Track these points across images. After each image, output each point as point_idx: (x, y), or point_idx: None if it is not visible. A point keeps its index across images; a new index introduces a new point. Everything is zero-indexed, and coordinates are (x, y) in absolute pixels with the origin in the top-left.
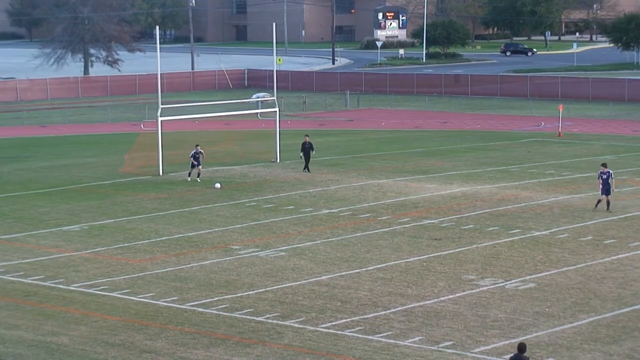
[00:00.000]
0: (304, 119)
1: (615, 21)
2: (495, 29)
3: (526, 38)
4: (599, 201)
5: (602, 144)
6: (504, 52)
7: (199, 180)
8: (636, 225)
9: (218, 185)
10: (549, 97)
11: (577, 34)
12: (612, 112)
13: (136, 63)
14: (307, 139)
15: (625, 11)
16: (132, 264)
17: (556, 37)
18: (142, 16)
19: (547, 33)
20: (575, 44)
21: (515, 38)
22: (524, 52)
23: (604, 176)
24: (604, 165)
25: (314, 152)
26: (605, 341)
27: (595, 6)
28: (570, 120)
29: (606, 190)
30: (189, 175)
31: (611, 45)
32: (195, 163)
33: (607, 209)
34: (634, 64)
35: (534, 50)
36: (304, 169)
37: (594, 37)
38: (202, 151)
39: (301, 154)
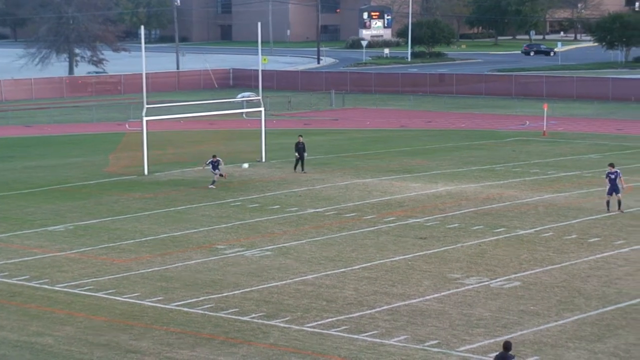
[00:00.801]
0: (290, 119)
1: (599, 20)
2: (480, 28)
3: (511, 37)
4: (608, 202)
5: (587, 143)
6: (527, 52)
7: (213, 187)
8: (620, 224)
9: (246, 165)
10: (534, 96)
11: (562, 33)
12: (596, 111)
13: (121, 63)
14: (301, 139)
15: (609, 10)
16: (117, 264)
17: (541, 37)
18: (127, 16)
19: (531, 32)
20: (559, 43)
21: (500, 37)
22: (546, 52)
23: (612, 176)
24: (612, 165)
25: (305, 153)
26: (589, 339)
27: (579, 5)
28: (555, 119)
29: (614, 189)
30: (213, 183)
31: (596, 44)
32: (214, 169)
33: (619, 208)
34: (619, 62)
35: (555, 50)
36: (300, 169)
37: (578, 36)
38: (220, 159)
39: (296, 154)
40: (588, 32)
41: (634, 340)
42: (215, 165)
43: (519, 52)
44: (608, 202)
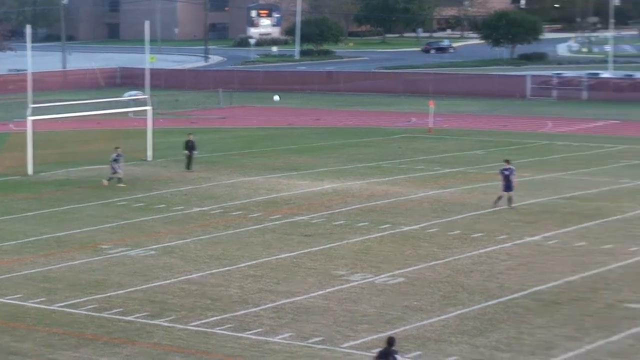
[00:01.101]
0: (177, 117)
1: (486, 18)
2: (369, 26)
3: (398, 35)
4: (500, 197)
5: (472, 139)
6: (427, 50)
7: (122, 185)
8: (503, 219)
9: (277, 97)
10: (421, 93)
11: (449, 30)
12: (482, 108)
13: (7, 62)
14: (191, 137)
15: (495, 8)
16: None
17: (428, 34)
18: (13, 15)
19: (419, 30)
20: (446, 41)
21: (387, 35)
22: (445, 49)
23: (506, 172)
24: (507, 161)
25: (196, 152)
26: (472, 333)
27: (466, 3)
28: (441, 116)
29: (507, 186)
30: (109, 180)
31: (482, 41)
32: (116, 167)
33: (509, 205)
34: (504, 59)
35: (453, 46)
36: (187, 167)
37: (465, 33)
38: (121, 154)
39: (186, 152)
40: (475, 30)
41: (514, 334)
42: (117, 160)
43: (419, 49)
44: (500, 198)
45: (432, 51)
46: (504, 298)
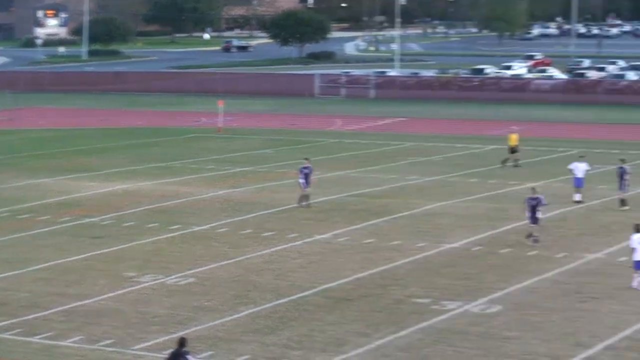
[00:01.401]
0: None
1: (274, 17)
2: (157, 25)
3: (187, 34)
4: (304, 195)
5: (262, 138)
6: (227, 49)
7: None
8: (294, 218)
9: (207, 36)
10: (211, 93)
11: (238, 30)
12: (271, 107)
13: None
14: None
15: (283, 7)
16: None
17: (216, 34)
18: None
19: (208, 29)
20: (234, 40)
21: (177, 35)
22: (245, 47)
23: (306, 170)
24: (307, 159)
25: None
26: (263, 332)
27: (254, 2)
28: (231, 116)
29: (307, 184)
30: None
31: (271, 41)
32: None
33: (300, 203)
34: (293, 59)
35: (252, 44)
36: None
37: (253, 33)
38: None
39: None
40: (263, 29)
41: (306, 332)
42: None
43: (218, 48)
44: (304, 196)
45: (233, 50)
46: (295, 296)
